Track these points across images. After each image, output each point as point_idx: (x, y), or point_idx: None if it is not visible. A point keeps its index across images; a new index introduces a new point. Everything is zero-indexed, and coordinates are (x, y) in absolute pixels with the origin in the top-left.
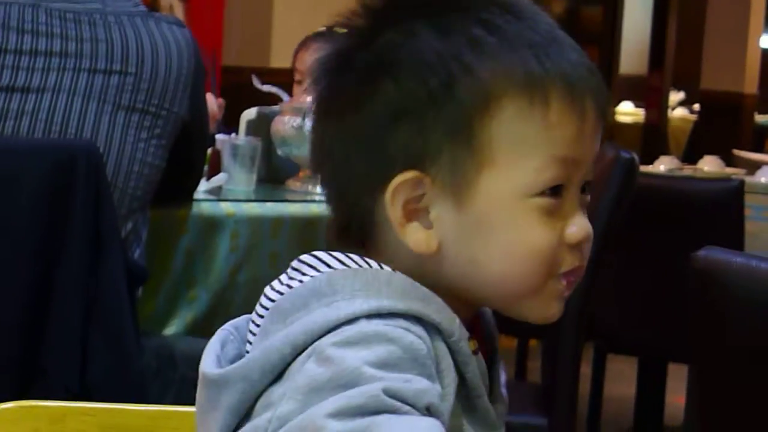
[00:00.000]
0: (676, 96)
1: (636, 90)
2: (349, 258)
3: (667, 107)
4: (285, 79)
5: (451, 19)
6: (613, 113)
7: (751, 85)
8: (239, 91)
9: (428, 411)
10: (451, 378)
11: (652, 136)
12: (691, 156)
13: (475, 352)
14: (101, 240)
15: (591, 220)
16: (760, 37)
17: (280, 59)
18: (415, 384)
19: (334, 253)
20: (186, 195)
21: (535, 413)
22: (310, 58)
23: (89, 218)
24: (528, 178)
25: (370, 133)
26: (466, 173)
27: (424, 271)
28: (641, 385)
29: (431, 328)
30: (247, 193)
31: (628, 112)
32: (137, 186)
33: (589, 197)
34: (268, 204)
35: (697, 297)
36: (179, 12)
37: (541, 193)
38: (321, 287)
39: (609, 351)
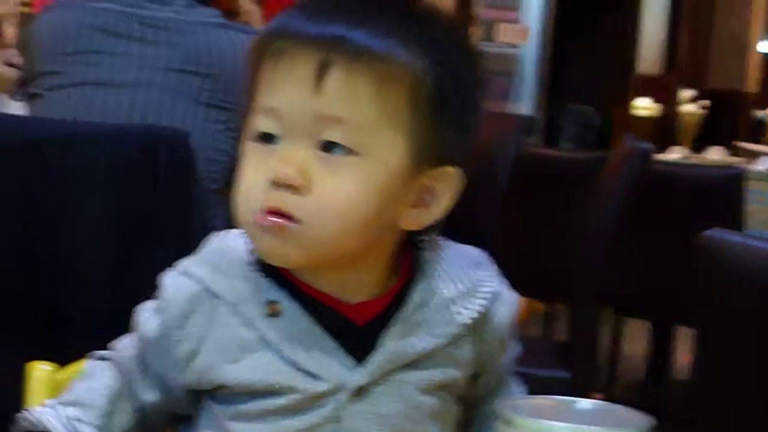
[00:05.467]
0: (685, 93)
1: (651, 88)
2: None
3: (677, 103)
4: None
5: None
6: (631, 108)
7: (751, 84)
8: None
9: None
10: (209, 325)
11: (665, 128)
12: (698, 146)
13: (272, 315)
14: (190, 214)
15: (610, 202)
16: (759, 42)
17: None
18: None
19: None
20: None
21: (560, 368)
22: None
23: (180, 192)
24: (249, 123)
25: None
26: (246, 107)
27: None
28: (653, 345)
29: (208, 290)
30: None
31: (644, 106)
32: (216, 170)
33: (338, 155)
34: None
35: (701, 271)
36: (256, 16)
37: (255, 138)
38: None
39: (625, 315)
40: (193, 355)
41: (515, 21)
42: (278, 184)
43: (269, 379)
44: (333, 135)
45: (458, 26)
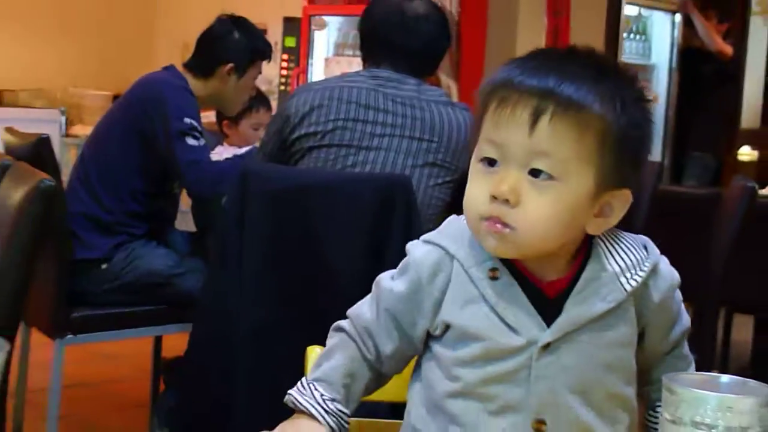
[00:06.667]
0: None
1: (752, 138)
2: None
3: None
4: None
5: None
6: (737, 154)
7: None
8: None
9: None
10: (447, 280)
11: (763, 170)
12: None
13: (492, 278)
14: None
15: (729, 225)
16: None
17: None
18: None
19: None
20: None
21: (690, 351)
22: None
23: (405, 224)
24: (476, 149)
25: None
26: (474, 137)
27: None
28: (756, 334)
29: (448, 254)
30: None
31: (747, 153)
32: (433, 213)
33: (542, 180)
34: None
35: None
36: (454, 90)
37: (480, 160)
38: None
39: (735, 311)
40: (438, 304)
41: (647, 89)
42: (496, 198)
43: (481, 327)
44: (540, 164)
45: (637, 84)
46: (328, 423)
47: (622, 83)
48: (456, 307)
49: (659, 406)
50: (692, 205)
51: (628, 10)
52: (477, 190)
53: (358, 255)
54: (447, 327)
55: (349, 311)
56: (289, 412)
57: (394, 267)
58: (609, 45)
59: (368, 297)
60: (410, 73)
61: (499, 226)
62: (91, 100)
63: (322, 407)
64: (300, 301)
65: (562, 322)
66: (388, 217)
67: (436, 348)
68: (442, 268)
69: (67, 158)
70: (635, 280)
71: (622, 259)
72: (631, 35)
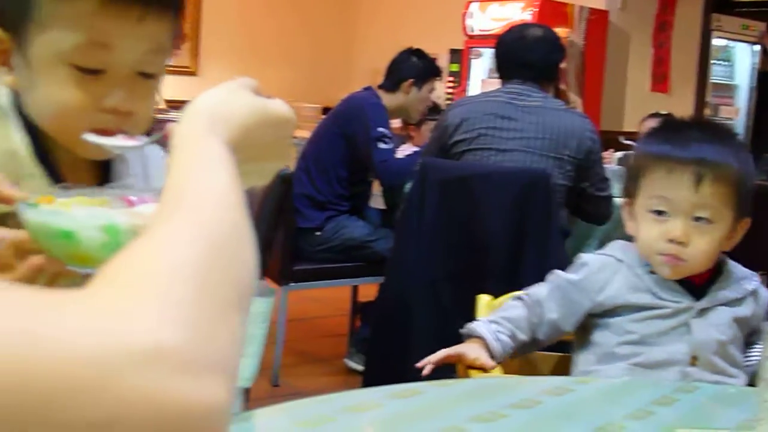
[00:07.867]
0: None
1: None
2: None
3: None
4: (634, 137)
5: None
6: None
7: None
8: (609, 144)
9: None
10: (614, 275)
11: None
12: None
13: (651, 273)
14: (551, 218)
15: None
16: None
17: (631, 124)
18: (566, 274)
19: None
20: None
21: None
22: (644, 127)
23: (544, 206)
24: (642, 201)
25: None
26: (632, 191)
27: None
28: None
29: (617, 259)
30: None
31: None
32: (559, 195)
33: (702, 224)
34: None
35: None
36: (579, 104)
37: (650, 212)
38: None
39: None
40: (601, 289)
41: (731, 104)
42: (672, 241)
43: (649, 304)
44: (701, 213)
45: (741, 140)
46: (495, 348)
47: (736, 139)
48: (628, 294)
49: (751, 351)
50: (764, 195)
51: (717, 42)
52: (652, 233)
53: (508, 227)
54: (621, 306)
55: (526, 289)
56: (454, 343)
57: (535, 238)
58: (701, 69)
59: (543, 282)
60: (533, 81)
61: (674, 260)
62: (305, 111)
63: (495, 335)
64: (462, 262)
65: (711, 296)
66: (530, 200)
67: (607, 320)
68: (607, 267)
69: None
70: (752, 284)
71: (740, 270)
72: (719, 61)
